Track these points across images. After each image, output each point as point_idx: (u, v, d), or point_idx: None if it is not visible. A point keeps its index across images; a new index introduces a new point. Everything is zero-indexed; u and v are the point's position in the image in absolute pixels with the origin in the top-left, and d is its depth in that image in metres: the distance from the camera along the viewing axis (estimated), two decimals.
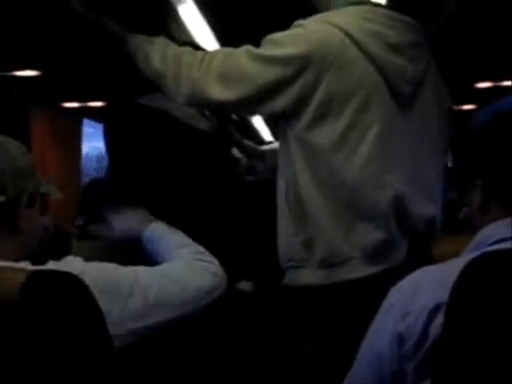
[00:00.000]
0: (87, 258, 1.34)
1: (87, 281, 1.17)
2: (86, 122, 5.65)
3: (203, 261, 1.40)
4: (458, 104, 6.09)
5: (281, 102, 1.69)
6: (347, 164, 1.67)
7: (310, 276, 1.71)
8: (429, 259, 1.55)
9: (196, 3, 2.74)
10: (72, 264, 1.25)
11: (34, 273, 1.12)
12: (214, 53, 1.77)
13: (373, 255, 1.67)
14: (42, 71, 3.31)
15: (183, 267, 1.36)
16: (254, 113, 1.76)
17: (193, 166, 2.00)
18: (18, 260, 1.25)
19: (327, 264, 1.68)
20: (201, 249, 1.42)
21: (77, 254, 1.32)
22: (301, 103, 1.68)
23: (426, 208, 1.75)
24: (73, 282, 1.11)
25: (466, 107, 6.25)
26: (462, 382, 1.02)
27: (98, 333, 1.13)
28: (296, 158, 1.72)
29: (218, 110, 1.79)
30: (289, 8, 1.94)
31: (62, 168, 4.71)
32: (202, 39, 3.05)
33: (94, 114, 5.42)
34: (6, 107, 3.49)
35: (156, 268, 1.35)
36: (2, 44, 2.72)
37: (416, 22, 1.79)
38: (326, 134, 1.68)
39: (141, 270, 1.31)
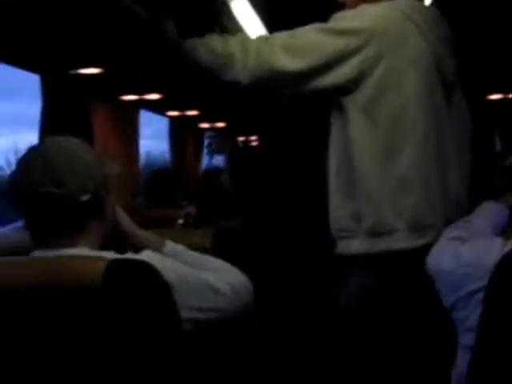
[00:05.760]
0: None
1: (166, 274, 1.31)
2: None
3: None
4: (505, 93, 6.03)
5: (345, 72, 1.80)
6: (406, 137, 1.77)
7: (359, 245, 1.82)
8: None
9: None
10: (153, 258, 1.37)
11: (112, 261, 1.25)
12: (277, 33, 1.90)
13: (416, 228, 1.76)
14: (103, 68, 3.47)
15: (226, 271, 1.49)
16: (317, 85, 1.85)
17: None
18: (103, 248, 1.39)
19: (375, 233, 1.77)
20: (228, 264, 1.54)
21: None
22: (363, 75, 1.79)
23: (458, 188, 1.89)
24: (148, 270, 1.25)
25: None
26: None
27: (169, 317, 1.26)
28: (354, 131, 1.81)
29: (284, 82, 1.88)
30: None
31: (122, 156, 4.90)
32: (255, 35, 3.12)
33: (149, 105, 5.57)
34: (69, 105, 3.67)
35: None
36: (69, 45, 2.89)
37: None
38: (386, 107, 1.78)
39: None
